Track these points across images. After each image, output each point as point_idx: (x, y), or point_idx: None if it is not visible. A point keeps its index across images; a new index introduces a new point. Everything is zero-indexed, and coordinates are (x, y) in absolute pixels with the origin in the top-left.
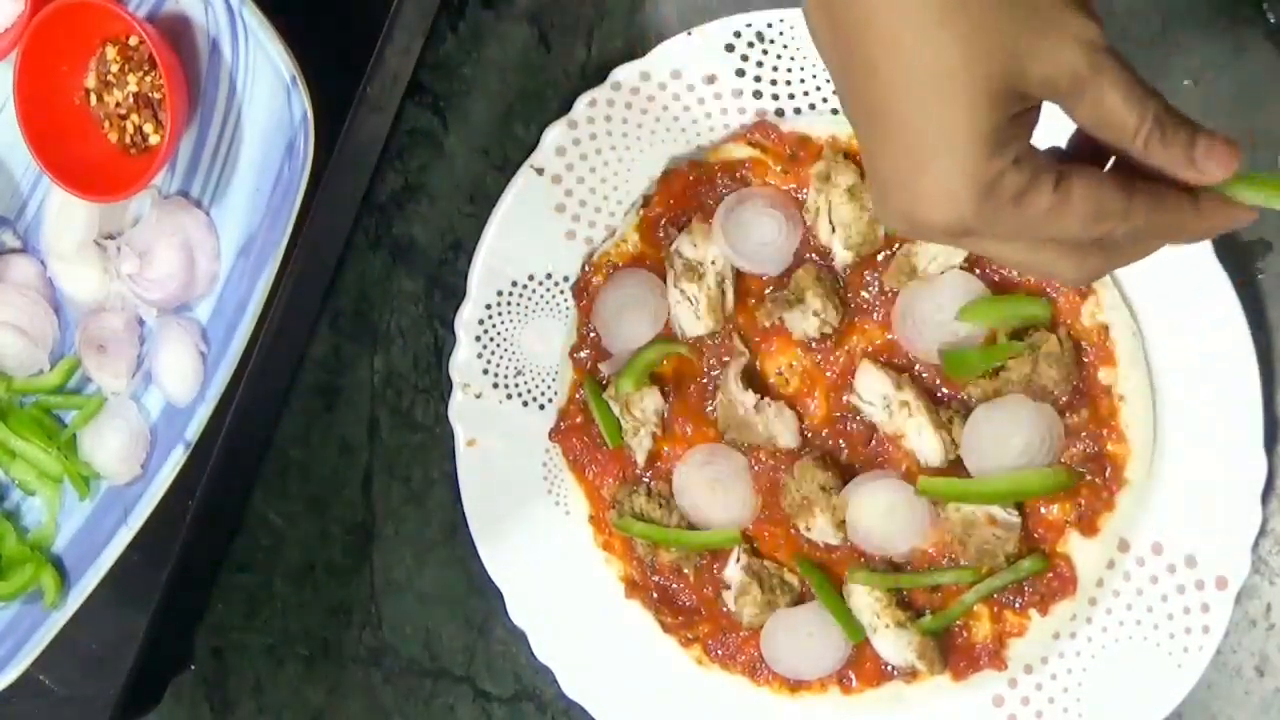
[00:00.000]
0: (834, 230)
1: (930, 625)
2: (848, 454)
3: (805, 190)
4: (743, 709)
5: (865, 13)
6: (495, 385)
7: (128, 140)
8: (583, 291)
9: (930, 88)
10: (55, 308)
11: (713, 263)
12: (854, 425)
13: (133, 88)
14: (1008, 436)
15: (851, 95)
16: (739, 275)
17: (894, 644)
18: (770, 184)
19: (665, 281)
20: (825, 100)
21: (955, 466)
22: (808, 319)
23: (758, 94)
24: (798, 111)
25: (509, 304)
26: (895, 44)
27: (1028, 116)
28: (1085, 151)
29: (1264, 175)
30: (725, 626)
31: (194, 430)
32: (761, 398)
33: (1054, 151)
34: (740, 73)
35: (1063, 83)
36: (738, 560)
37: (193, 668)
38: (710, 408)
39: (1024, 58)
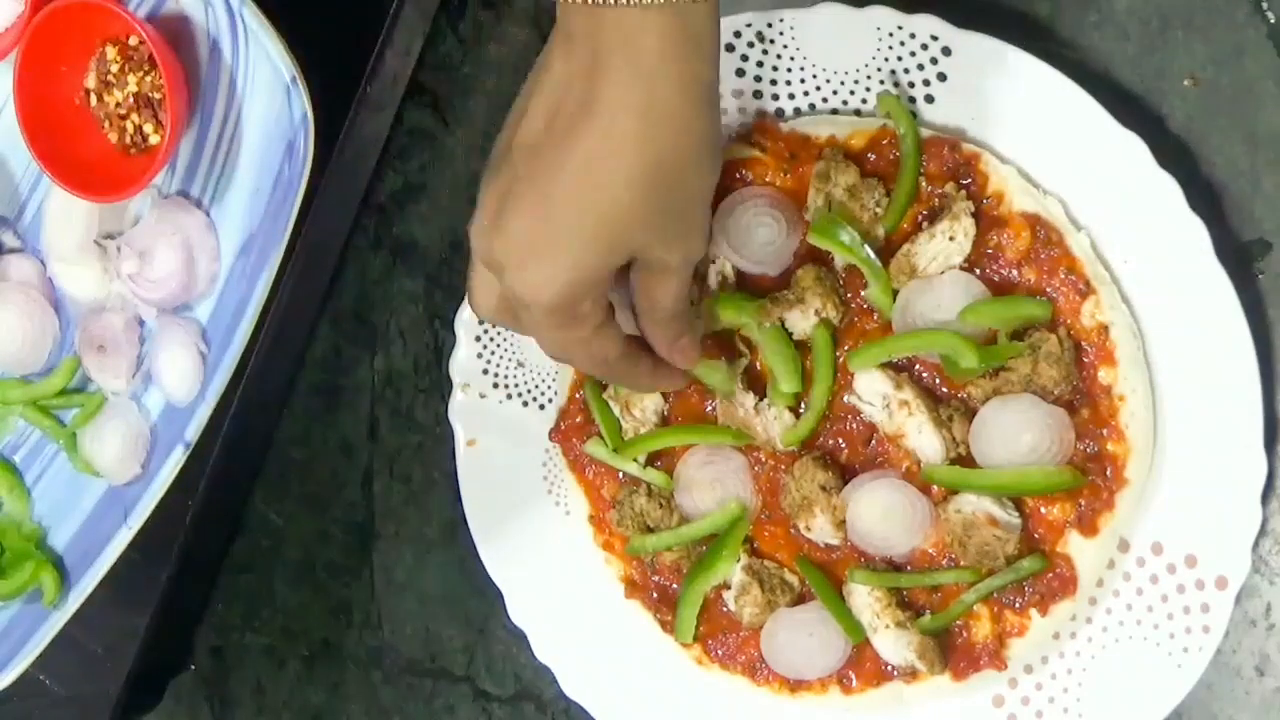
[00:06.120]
0: None
1: (930, 625)
2: (848, 454)
3: (805, 190)
4: (743, 709)
5: (584, 159)
6: (495, 385)
7: (128, 140)
8: None
9: (591, 232)
10: (55, 308)
11: (713, 262)
12: (854, 425)
13: (133, 88)
14: (1017, 434)
15: (542, 181)
16: (739, 275)
17: (894, 644)
18: (770, 184)
19: None
20: (825, 100)
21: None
22: (808, 319)
23: (758, 94)
24: (798, 111)
25: None
26: (595, 190)
27: (617, 274)
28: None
29: (709, 364)
30: (725, 626)
31: (194, 430)
32: (762, 398)
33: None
34: (740, 73)
35: (655, 265)
36: (738, 560)
37: (193, 668)
38: (710, 408)
39: (653, 246)
